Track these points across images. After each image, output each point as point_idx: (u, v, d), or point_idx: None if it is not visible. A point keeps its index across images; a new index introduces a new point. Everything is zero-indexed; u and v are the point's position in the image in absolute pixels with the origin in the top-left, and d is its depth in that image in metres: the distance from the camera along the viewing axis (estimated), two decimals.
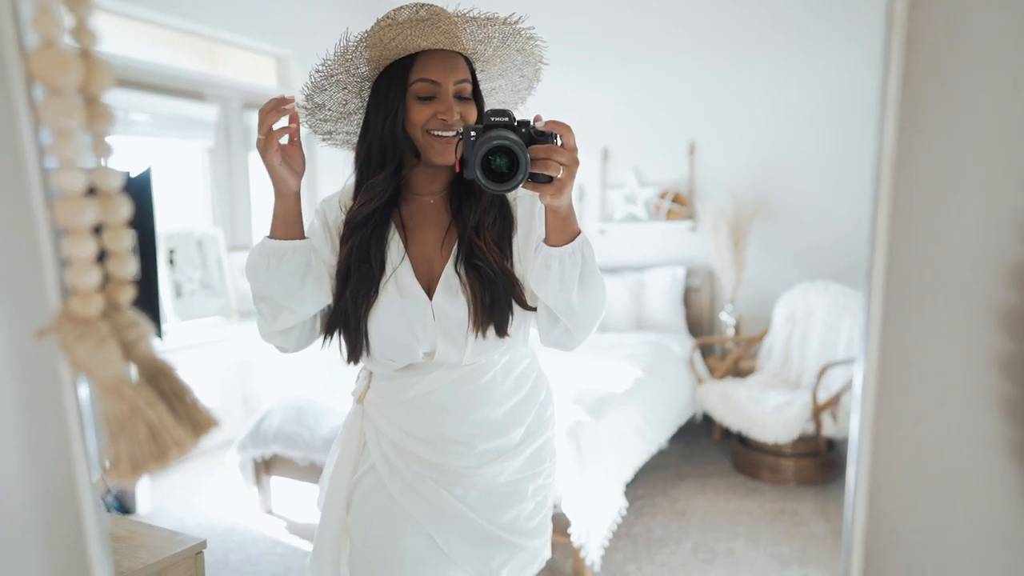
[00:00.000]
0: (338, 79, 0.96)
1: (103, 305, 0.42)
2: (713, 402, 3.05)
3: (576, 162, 0.83)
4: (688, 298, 3.77)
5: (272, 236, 0.94)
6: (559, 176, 0.81)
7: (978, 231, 0.44)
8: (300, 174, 0.93)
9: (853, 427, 0.50)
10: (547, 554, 1.10)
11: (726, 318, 3.53)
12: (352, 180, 1.01)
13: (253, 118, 3.82)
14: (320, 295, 0.97)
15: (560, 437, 2.10)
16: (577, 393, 2.47)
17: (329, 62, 0.93)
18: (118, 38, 3.13)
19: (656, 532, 2.48)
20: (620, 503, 2.14)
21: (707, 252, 3.68)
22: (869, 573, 0.50)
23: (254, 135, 4.32)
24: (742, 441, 3.05)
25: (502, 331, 0.96)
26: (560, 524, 2.03)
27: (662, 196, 3.88)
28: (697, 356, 3.36)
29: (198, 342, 3.01)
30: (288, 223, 0.94)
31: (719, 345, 3.63)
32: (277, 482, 2.87)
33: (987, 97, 0.41)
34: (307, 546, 2.51)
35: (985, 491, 0.47)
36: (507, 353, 1.03)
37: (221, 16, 3.70)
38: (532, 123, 0.84)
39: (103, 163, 0.42)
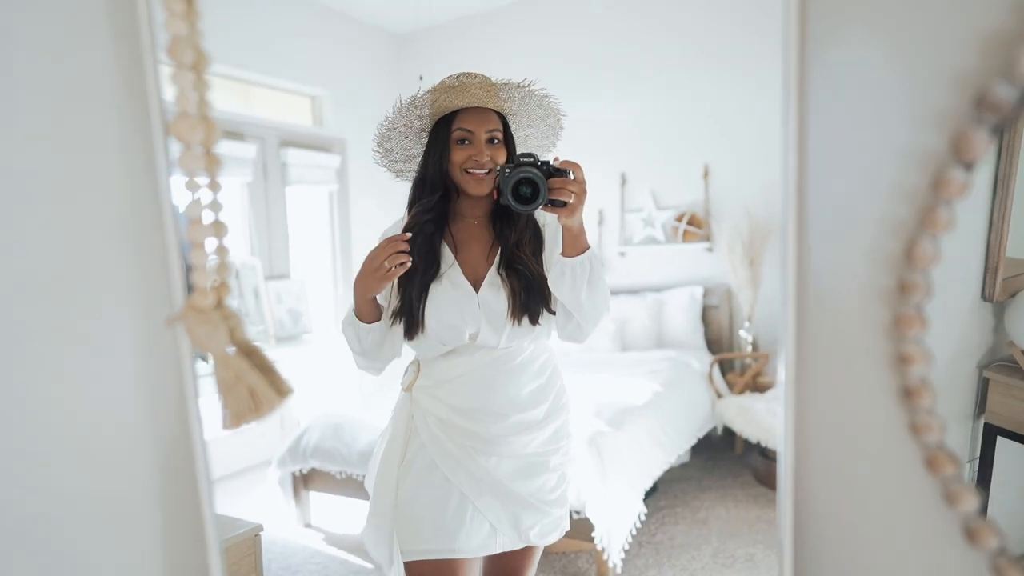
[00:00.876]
0: (399, 130, 1.27)
1: (215, 300, 0.58)
2: (732, 416, 3.13)
3: (584, 192, 1.12)
4: (707, 316, 3.88)
5: (359, 318, 1.24)
6: (571, 201, 1.11)
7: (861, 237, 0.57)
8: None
9: (780, 421, 0.63)
10: (566, 525, 1.36)
11: (744, 335, 3.63)
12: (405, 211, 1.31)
13: (289, 154, 4.07)
14: (395, 348, 1.29)
15: (582, 447, 2.22)
16: (598, 407, 2.60)
17: (391, 119, 1.26)
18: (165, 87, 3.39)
19: (678, 539, 2.57)
20: (640, 508, 2.25)
21: (724, 271, 3.79)
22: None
23: (290, 170, 4.54)
24: (763, 454, 3.12)
25: (534, 320, 1.23)
26: (583, 529, 2.14)
27: (679, 219, 4.01)
28: (716, 372, 3.45)
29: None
30: (371, 310, 1.24)
31: (738, 361, 3.72)
32: (315, 497, 3.01)
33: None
34: (344, 555, 2.65)
35: (889, 472, 0.59)
36: (534, 343, 1.29)
37: (258, 60, 3.96)
38: (551, 162, 1.15)
39: (215, 197, 0.58)
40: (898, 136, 0.48)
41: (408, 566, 1.21)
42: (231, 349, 0.58)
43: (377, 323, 1.24)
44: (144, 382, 0.61)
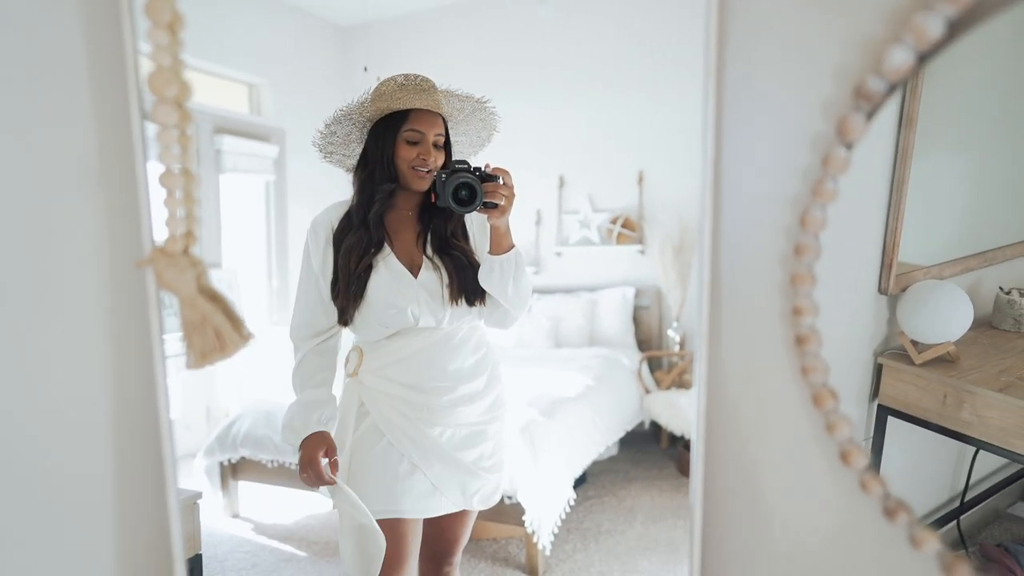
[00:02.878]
0: (351, 117, 1.33)
1: (183, 247, 0.62)
2: (659, 410, 3.28)
3: (513, 195, 1.25)
4: (638, 316, 4.04)
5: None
6: (502, 203, 1.23)
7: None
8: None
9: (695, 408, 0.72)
10: (504, 487, 1.54)
11: (672, 334, 3.79)
12: (334, 202, 1.38)
13: (224, 142, 3.99)
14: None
15: (515, 434, 2.29)
16: (532, 397, 2.68)
17: (351, 106, 1.31)
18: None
19: (604, 526, 2.68)
20: (569, 494, 2.34)
21: (655, 273, 3.96)
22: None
23: (225, 158, 4.45)
24: (686, 447, 3.28)
25: (471, 302, 1.33)
26: (515, 514, 2.21)
27: (613, 221, 4.16)
28: (645, 369, 3.60)
29: (172, 354, 3.11)
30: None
31: (666, 359, 3.88)
32: (244, 487, 2.97)
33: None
34: (275, 544, 2.63)
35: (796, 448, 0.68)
36: (471, 322, 1.38)
37: (194, 44, 3.85)
38: (483, 168, 1.26)
39: (186, 149, 0.62)
40: (795, 123, 0.57)
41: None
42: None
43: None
44: (110, 323, 0.63)
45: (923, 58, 0.46)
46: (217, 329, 0.61)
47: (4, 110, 0.58)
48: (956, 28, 0.44)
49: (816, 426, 0.61)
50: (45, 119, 0.59)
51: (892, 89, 0.48)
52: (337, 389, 1.39)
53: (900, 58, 0.47)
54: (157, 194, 0.61)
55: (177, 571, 0.69)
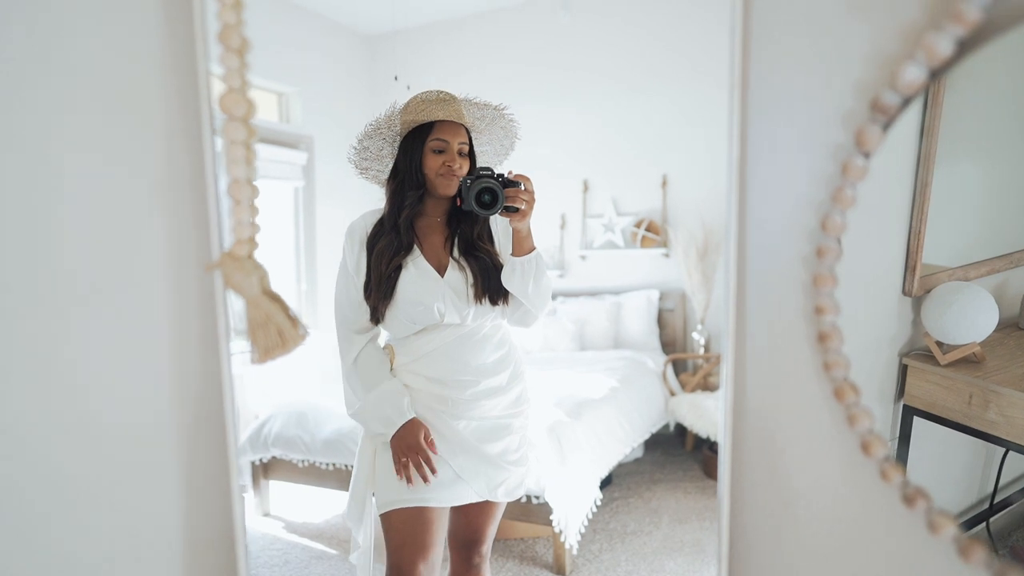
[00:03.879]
0: (381, 132, 1.43)
1: (248, 251, 0.68)
2: (684, 412, 3.30)
3: (533, 200, 1.33)
4: (662, 319, 4.05)
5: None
6: (523, 208, 1.32)
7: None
8: None
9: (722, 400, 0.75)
10: (528, 483, 1.57)
11: (697, 337, 3.80)
12: (369, 209, 1.47)
13: (257, 150, 4.08)
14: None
15: (542, 435, 2.33)
16: (558, 399, 2.72)
17: (379, 120, 1.42)
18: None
19: (630, 527, 2.71)
20: (596, 494, 2.38)
21: (679, 276, 3.96)
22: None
23: (260, 165, 4.53)
24: (711, 449, 3.29)
25: (494, 301, 1.41)
26: (542, 514, 2.25)
27: (637, 225, 4.19)
28: (670, 371, 3.62)
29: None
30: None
31: (691, 361, 3.89)
32: (275, 486, 3.04)
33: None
34: (305, 542, 2.69)
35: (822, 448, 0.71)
36: (494, 320, 1.46)
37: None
38: (506, 175, 1.35)
39: (252, 162, 0.67)
40: (816, 134, 0.61)
41: (383, 518, 1.32)
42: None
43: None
44: (181, 322, 0.69)
45: (935, 74, 0.49)
46: (279, 327, 0.67)
47: (92, 128, 0.64)
48: (965, 46, 0.47)
49: (838, 419, 0.64)
50: (127, 136, 0.65)
51: (906, 102, 0.52)
52: None
53: (913, 74, 0.50)
54: (225, 203, 0.67)
55: (239, 553, 0.74)
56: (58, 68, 0.64)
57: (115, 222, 0.67)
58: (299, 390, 3.42)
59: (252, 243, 0.67)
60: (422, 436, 1.35)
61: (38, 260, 0.64)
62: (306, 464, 2.84)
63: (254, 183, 0.68)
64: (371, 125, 1.43)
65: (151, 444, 0.71)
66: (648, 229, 4.07)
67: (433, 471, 1.35)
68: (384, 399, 1.38)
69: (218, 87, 0.65)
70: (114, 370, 0.69)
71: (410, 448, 1.34)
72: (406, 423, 1.36)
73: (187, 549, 0.74)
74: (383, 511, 1.36)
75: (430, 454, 1.35)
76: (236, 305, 0.67)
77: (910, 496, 0.59)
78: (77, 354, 0.67)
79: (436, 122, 1.40)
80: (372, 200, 1.51)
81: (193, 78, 0.64)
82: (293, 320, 0.69)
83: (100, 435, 0.69)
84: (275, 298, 0.68)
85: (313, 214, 4.55)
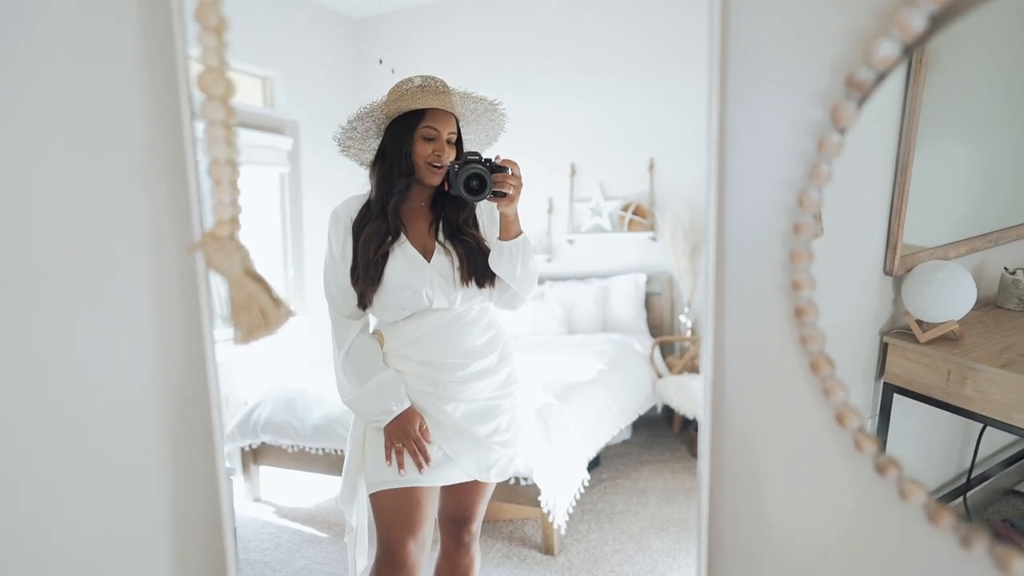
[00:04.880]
0: (372, 114, 1.42)
1: (229, 232, 0.68)
2: (671, 394, 3.33)
3: (521, 184, 1.34)
4: (649, 302, 4.08)
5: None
6: (510, 192, 1.32)
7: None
8: None
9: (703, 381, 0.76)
10: (518, 463, 1.63)
11: (684, 320, 3.83)
12: (351, 195, 1.46)
13: (239, 135, 4.04)
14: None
15: (529, 417, 2.35)
16: (546, 382, 2.74)
17: (374, 103, 1.40)
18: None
19: (618, 507, 2.74)
20: (583, 475, 2.41)
21: (666, 260, 3.99)
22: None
23: (240, 150, 4.49)
24: (697, 429, 3.32)
25: (481, 283, 1.41)
26: (530, 495, 2.28)
27: (625, 208, 4.19)
28: (657, 354, 3.65)
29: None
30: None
31: (678, 344, 3.93)
32: (265, 471, 3.05)
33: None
34: (296, 527, 2.71)
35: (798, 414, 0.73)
36: (481, 303, 1.47)
37: None
38: (493, 159, 1.34)
39: (233, 142, 0.67)
40: (794, 111, 0.61)
41: (373, 498, 1.34)
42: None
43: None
44: (162, 304, 0.69)
45: (908, 49, 0.50)
46: (262, 307, 0.67)
47: (68, 109, 0.63)
48: (938, 22, 0.48)
49: (814, 392, 0.65)
50: (105, 118, 0.64)
51: (881, 78, 0.52)
52: None
53: (887, 50, 0.51)
54: (205, 184, 0.66)
55: (227, 539, 0.75)
56: (31, 50, 0.63)
57: (95, 205, 0.67)
58: (288, 376, 3.42)
59: (234, 223, 0.67)
60: (417, 425, 1.36)
61: (15, 246, 0.63)
62: (296, 449, 2.85)
63: (235, 163, 0.68)
64: (365, 108, 1.42)
65: (136, 429, 0.71)
66: (635, 213, 4.09)
67: (427, 460, 1.36)
68: (380, 389, 1.38)
69: (196, 67, 0.64)
70: (97, 355, 0.69)
71: (406, 436, 1.36)
72: (402, 411, 1.37)
73: (175, 534, 0.74)
74: (372, 491, 1.38)
75: (424, 443, 1.36)
76: (219, 286, 0.67)
77: (882, 465, 0.60)
78: (59, 340, 0.67)
79: (428, 110, 1.39)
80: (358, 186, 1.49)
81: (171, 58, 0.63)
82: (276, 300, 0.69)
83: (84, 421, 0.69)
84: (258, 278, 0.69)
85: (299, 200, 4.52)
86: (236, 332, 0.68)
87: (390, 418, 1.37)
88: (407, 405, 1.38)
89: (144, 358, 0.70)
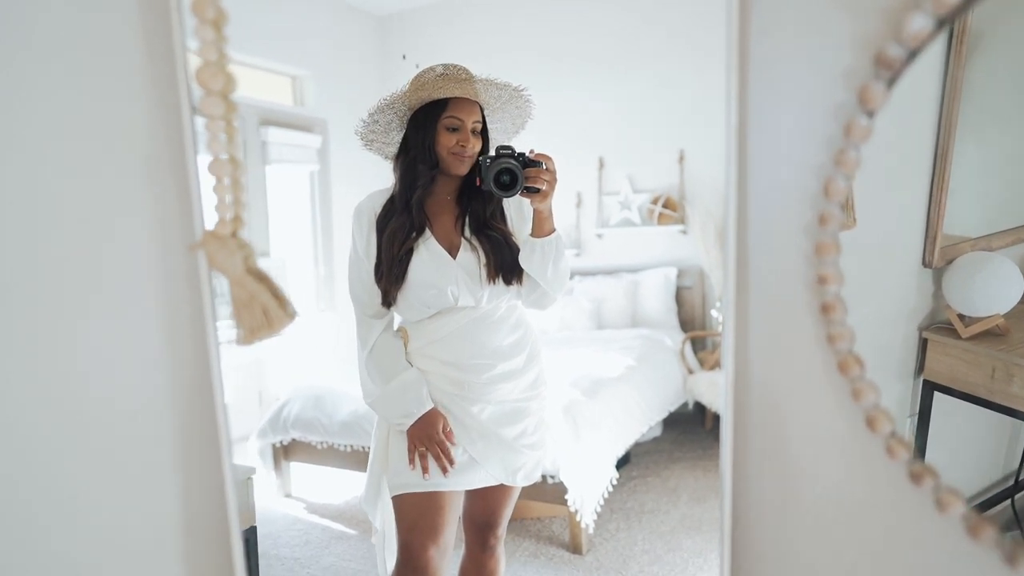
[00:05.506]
0: (393, 106, 1.38)
1: (232, 230, 0.66)
2: (702, 390, 3.27)
3: (555, 180, 1.29)
4: (680, 296, 4.01)
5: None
6: (544, 188, 1.28)
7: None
8: None
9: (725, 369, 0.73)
10: (545, 465, 1.65)
11: (715, 314, 3.76)
12: (376, 190, 1.43)
13: (269, 133, 4.09)
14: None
15: (557, 414, 2.32)
16: (574, 378, 2.71)
17: (394, 95, 1.36)
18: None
19: (648, 506, 2.70)
20: (612, 473, 2.37)
21: (697, 253, 3.92)
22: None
23: (271, 149, 4.56)
24: None
25: (508, 281, 1.37)
26: (558, 493, 2.25)
27: (654, 202, 4.13)
28: (688, 349, 3.58)
29: (224, 339, 3.23)
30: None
31: (709, 339, 3.85)
32: (296, 468, 3.09)
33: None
34: (326, 523, 2.73)
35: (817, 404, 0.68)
36: (509, 302, 1.42)
37: (238, 38, 3.93)
38: (527, 153, 1.30)
39: (232, 138, 0.65)
40: (817, 93, 0.57)
41: (395, 501, 1.32)
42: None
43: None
44: (165, 304, 0.68)
45: (942, 23, 0.46)
46: (264, 307, 0.65)
47: (65, 106, 0.63)
48: None
49: (842, 393, 0.62)
50: (102, 113, 0.64)
51: (912, 55, 0.48)
52: None
53: (919, 24, 0.47)
54: (207, 182, 0.65)
55: (234, 539, 0.74)
56: (30, 47, 0.62)
57: (98, 204, 0.66)
58: (318, 373, 3.45)
59: (236, 222, 0.66)
60: (440, 427, 1.33)
61: (16, 246, 0.63)
62: (325, 446, 2.87)
63: (238, 160, 0.66)
64: (385, 99, 1.37)
65: (140, 430, 0.71)
66: (665, 206, 4.01)
67: (452, 462, 1.33)
68: (403, 389, 1.35)
69: (196, 61, 0.63)
70: (99, 356, 0.68)
71: (429, 439, 1.33)
72: (425, 414, 1.35)
73: (183, 536, 0.73)
74: (394, 494, 1.35)
75: (448, 445, 1.34)
76: (222, 286, 0.66)
77: (917, 473, 0.56)
78: (61, 340, 0.67)
79: (451, 99, 1.34)
80: (388, 182, 1.47)
81: (170, 53, 0.62)
82: (280, 299, 0.67)
83: (86, 422, 0.68)
84: (261, 277, 0.67)
85: (329, 197, 4.55)
86: (238, 332, 0.67)
87: (411, 421, 1.34)
88: (429, 407, 1.35)
89: (148, 359, 0.69)
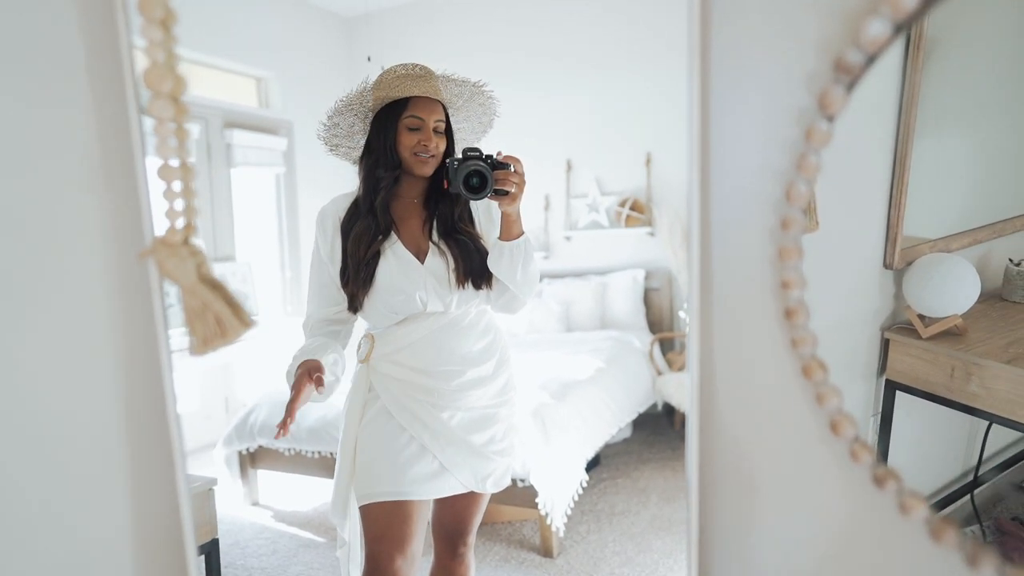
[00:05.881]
0: (353, 108, 1.36)
1: (183, 237, 0.64)
2: (671, 391, 3.29)
3: (524, 182, 1.28)
4: (648, 298, 4.04)
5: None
6: (512, 191, 1.26)
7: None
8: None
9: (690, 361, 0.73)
10: (515, 470, 1.49)
11: (683, 316, 3.79)
12: (341, 193, 1.40)
13: (234, 136, 4.02)
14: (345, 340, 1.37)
15: (526, 417, 2.31)
16: (543, 381, 2.71)
17: (351, 95, 1.34)
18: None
19: (618, 507, 2.70)
20: (582, 476, 2.37)
21: (665, 255, 3.95)
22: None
23: (235, 152, 4.48)
24: None
25: (478, 285, 1.35)
26: (528, 497, 2.24)
27: (622, 204, 4.15)
28: (656, 351, 3.61)
29: (179, 348, 3.16)
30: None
31: (677, 340, 3.88)
32: (263, 475, 3.03)
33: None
34: (294, 531, 2.68)
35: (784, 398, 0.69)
36: (478, 307, 1.41)
37: (201, 40, 3.86)
38: (495, 155, 1.28)
39: (183, 142, 0.63)
40: (780, 97, 0.57)
41: (362, 511, 1.29)
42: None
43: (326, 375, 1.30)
44: (115, 314, 0.66)
45: (899, 28, 0.46)
46: (218, 316, 0.63)
47: (3, 107, 0.60)
48: None
49: (806, 397, 0.62)
50: (45, 116, 0.61)
51: (871, 60, 0.49)
52: (347, 378, 1.42)
53: (877, 29, 0.47)
54: (157, 187, 0.63)
55: (189, 554, 0.71)
56: None
57: (43, 211, 0.63)
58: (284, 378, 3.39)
59: (188, 229, 0.63)
60: (308, 368, 1.26)
61: None
62: (292, 452, 2.82)
63: (188, 165, 0.64)
64: (342, 101, 1.35)
65: (92, 443, 0.68)
66: (632, 208, 4.04)
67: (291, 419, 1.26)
68: (297, 353, 1.31)
69: (143, 62, 0.60)
70: (49, 366, 0.65)
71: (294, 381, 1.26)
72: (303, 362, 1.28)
73: (136, 552, 0.71)
74: (362, 503, 1.33)
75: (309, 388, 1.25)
76: (174, 294, 0.63)
77: (880, 477, 0.57)
78: (7, 350, 0.63)
79: (411, 98, 1.32)
80: (354, 185, 1.44)
81: (116, 54, 0.60)
82: (235, 307, 0.65)
83: (36, 435, 0.65)
84: (215, 285, 0.65)
85: (295, 200, 4.48)
86: (191, 341, 0.64)
87: (289, 378, 1.29)
88: (306, 358, 1.29)
89: (98, 369, 0.67)
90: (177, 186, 0.62)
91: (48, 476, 0.67)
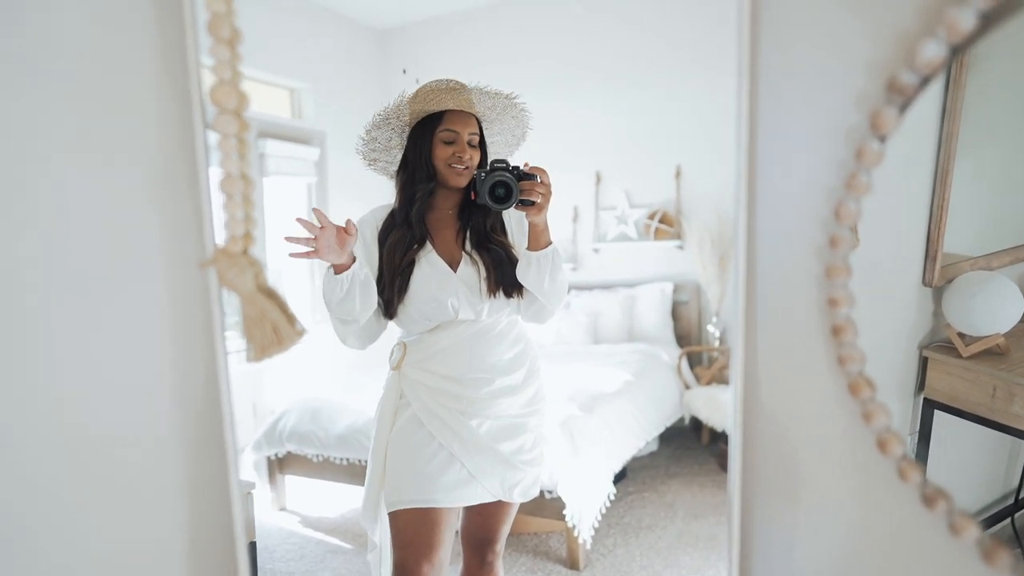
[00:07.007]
0: (390, 121, 1.40)
1: (243, 247, 0.66)
2: (699, 405, 3.27)
3: (550, 193, 1.30)
4: (676, 311, 4.01)
5: (333, 272, 1.30)
6: (538, 201, 1.29)
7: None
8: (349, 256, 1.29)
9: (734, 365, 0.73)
10: (543, 480, 1.64)
11: (712, 329, 3.76)
12: (378, 204, 1.45)
13: (268, 146, 4.10)
14: (369, 304, 1.32)
15: (555, 429, 2.31)
16: (571, 392, 2.70)
17: (388, 109, 1.39)
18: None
19: (645, 521, 2.69)
20: (609, 488, 2.36)
21: (693, 268, 3.92)
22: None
23: (269, 161, 4.59)
24: (727, 443, 3.25)
25: (509, 293, 1.37)
26: (555, 508, 2.24)
27: (651, 216, 4.14)
28: (684, 364, 3.58)
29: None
30: (342, 265, 1.29)
31: (706, 354, 3.85)
32: (291, 481, 3.06)
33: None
34: (321, 537, 2.70)
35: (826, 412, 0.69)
36: (509, 316, 1.43)
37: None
38: (521, 167, 1.31)
39: (245, 155, 0.65)
40: (829, 116, 0.58)
41: (391, 517, 1.31)
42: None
43: (348, 272, 1.29)
44: (175, 321, 0.68)
45: (956, 50, 0.46)
46: (275, 324, 0.65)
47: (82, 122, 0.63)
48: (989, 20, 0.44)
49: (853, 415, 0.62)
50: (118, 131, 0.64)
51: (925, 82, 0.49)
52: (379, 384, 1.45)
53: (932, 51, 0.47)
54: (218, 198, 0.65)
55: (240, 554, 0.73)
56: (47, 64, 0.62)
57: (109, 221, 0.66)
58: (313, 385, 3.43)
59: (247, 239, 0.66)
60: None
61: (28, 262, 0.63)
62: (320, 459, 2.85)
63: (249, 177, 0.66)
64: (379, 115, 1.40)
65: (149, 446, 0.70)
66: (662, 221, 4.03)
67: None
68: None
69: (210, 79, 0.63)
70: (111, 372, 0.68)
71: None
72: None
73: (189, 552, 0.73)
74: (390, 510, 1.34)
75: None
76: (233, 303, 0.66)
77: (930, 496, 0.56)
78: (72, 356, 0.66)
79: (446, 112, 1.36)
80: (385, 195, 1.47)
81: (184, 71, 0.62)
82: (290, 317, 0.67)
83: (95, 439, 0.67)
84: (271, 295, 0.67)
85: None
86: (249, 349, 0.66)
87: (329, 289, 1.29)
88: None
89: (159, 376, 0.69)
90: (238, 197, 0.64)
91: (105, 477, 0.69)
